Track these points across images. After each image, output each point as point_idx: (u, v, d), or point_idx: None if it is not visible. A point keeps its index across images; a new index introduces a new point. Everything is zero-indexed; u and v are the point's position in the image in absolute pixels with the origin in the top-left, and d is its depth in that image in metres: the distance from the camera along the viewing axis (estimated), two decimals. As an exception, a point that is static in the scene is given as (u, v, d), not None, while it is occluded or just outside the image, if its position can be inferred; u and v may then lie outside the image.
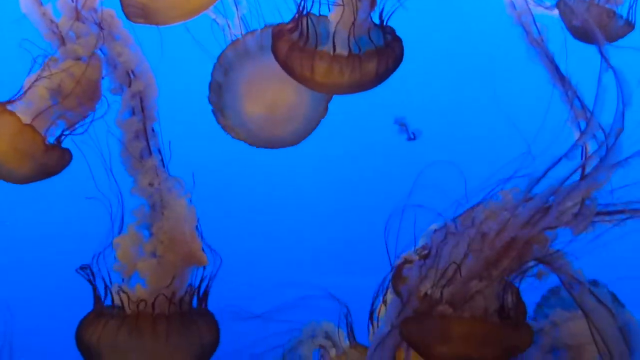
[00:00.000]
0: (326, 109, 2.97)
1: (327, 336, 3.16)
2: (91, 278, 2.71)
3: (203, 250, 2.75)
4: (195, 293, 2.74)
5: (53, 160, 2.73)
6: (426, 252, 2.57)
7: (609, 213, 2.68)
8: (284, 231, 5.44)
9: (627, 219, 2.69)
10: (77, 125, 2.78)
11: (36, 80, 2.69)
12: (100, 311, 2.69)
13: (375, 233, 2.79)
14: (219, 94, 2.98)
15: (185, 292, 2.72)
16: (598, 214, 2.66)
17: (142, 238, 2.76)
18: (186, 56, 3.09)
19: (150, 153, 2.74)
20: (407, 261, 2.61)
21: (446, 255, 2.50)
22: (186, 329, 2.65)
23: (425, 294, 2.47)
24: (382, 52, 2.57)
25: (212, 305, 2.81)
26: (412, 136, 2.81)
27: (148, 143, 2.74)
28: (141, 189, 2.74)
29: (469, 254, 2.46)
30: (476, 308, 2.44)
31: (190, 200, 2.79)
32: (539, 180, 2.55)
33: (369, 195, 5.05)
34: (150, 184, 2.73)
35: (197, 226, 2.78)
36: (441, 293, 2.45)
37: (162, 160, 2.79)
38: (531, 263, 2.54)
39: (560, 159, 2.55)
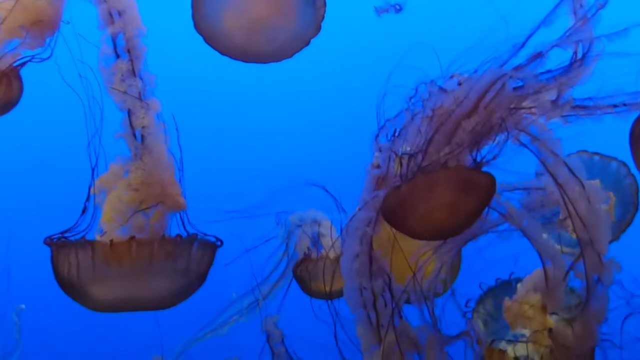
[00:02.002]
0: (319, 28, 2.96)
1: (317, 224, 3.28)
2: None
3: (182, 195, 2.80)
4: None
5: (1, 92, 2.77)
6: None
7: (585, 107, 2.78)
8: (268, 127, 5.55)
9: (604, 114, 2.79)
10: (27, 56, 2.82)
11: None
12: (71, 244, 2.68)
13: (358, 120, 2.88)
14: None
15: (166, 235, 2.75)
16: (575, 107, 2.77)
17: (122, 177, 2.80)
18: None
19: (140, 98, 2.77)
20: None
21: (421, 125, 2.61)
22: (173, 252, 2.68)
23: (402, 162, 2.59)
24: None
25: (199, 204, 2.91)
26: (398, 7, 2.85)
27: (137, 84, 2.76)
28: (127, 132, 2.78)
29: (442, 121, 2.58)
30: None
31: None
32: (517, 51, 2.62)
33: (351, 84, 5.12)
34: (141, 127, 2.75)
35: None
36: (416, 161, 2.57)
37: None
38: (510, 132, 2.64)
39: (538, 27, 2.62)
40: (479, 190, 2.61)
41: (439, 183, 2.57)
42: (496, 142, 2.66)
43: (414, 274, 2.76)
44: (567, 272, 2.81)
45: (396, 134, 2.67)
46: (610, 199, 3.13)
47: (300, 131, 5.52)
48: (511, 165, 2.77)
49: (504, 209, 2.77)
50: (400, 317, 2.69)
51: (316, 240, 3.32)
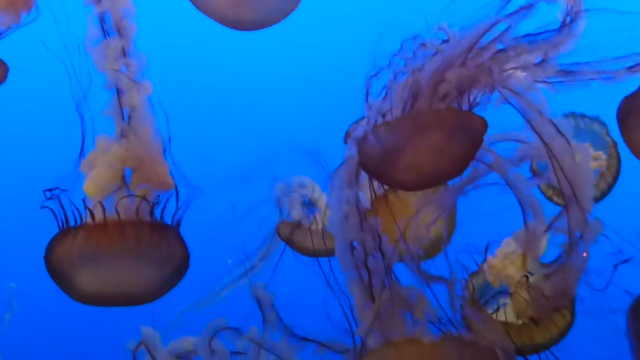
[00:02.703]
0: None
1: (310, 189, 3.33)
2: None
3: (170, 174, 2.84)
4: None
5: None
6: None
7: (571, 72, 2.84)
8: (259, 94, 5.59)
9: (590, 79, 2.86)
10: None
11: None
12: (66, 229, 2.74)
13: (347, 84, 2.93)
14: None
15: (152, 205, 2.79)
16: (560, 71, 2.83)
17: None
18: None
19: (133, 79, 2.79)
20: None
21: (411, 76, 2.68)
22: (156, 237, 2.72)
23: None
24: None
25: (189, 173, 2.95)
26: None
27: (128, 63, 2.80)
28: (115, 110, 2.81)
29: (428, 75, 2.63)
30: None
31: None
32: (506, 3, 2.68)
33: (338, 50, 5.16)
34: (130, 106, 2.79)
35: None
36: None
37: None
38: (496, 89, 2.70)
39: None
40: (470, 133, 2.66)
41: (429, 125, 2.61)
42: (482, 96, 2.72)
43: (403, 231, 2.81)
44: (549, 226, 2.88)
45: (384, 92, 2.73)
46: (601, 158, 3.21)
47: (291, 97, 5.58)
48: (498, 119, 2.83)
49: (491, 159, 2.84)
50: (391, 277, 2.74)
51: (308, 206, 3.37)
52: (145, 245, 2.70)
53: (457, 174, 2.81)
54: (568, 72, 2.89)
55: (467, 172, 2.86)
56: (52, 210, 2.75)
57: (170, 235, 2.77)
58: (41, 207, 2.75)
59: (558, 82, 2.89)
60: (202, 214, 3.22)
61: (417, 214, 2.88)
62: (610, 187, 3.22)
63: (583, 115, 3.28)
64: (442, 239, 2.97)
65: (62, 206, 2.75)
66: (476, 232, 3.11)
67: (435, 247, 3.01)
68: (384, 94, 2.75)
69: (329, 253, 2.99)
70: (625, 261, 2.85)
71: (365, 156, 2.71)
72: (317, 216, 3.32)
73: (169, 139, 2.87)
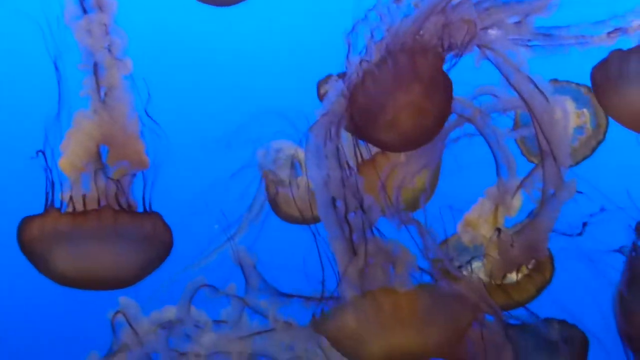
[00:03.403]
0: None
1: (287, 151, 3.38)
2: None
3: (145, 152, 2.88)
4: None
5: None
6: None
7: (549, 36, 2.89)
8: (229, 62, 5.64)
9: (568, 46, 2.90)
10: None
11: None
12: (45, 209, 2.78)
13: (326, 43, 2.98)
14: None
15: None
16: (538, 34, 2.87)
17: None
18: None
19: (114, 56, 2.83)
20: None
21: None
22: (134, 219, 2.76)
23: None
24: None
25: (172, 136, 2.98)
26: None
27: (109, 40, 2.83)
28: (92, 89, 2.84)
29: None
30: None
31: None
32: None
33: (315, 17, 5.21)
34: (109, 85, 2.83)
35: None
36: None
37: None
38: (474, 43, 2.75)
39: None
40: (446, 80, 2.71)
41: (408, 78, 2.64)
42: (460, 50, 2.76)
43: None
44: (522, 181, 2.93)
45: (364, 49, 2.77)
46: (585, 115, 3.26)
47: (272, 60, 5.62)
48: (478, 77, 2.88)
49: (470, 112, 2.88)
50: (372, 231, 2.78)
51: (292, 169, 3.41)
52: (123, 228, 2.74)
53: (439, 128, 2.84)
54: (546, 35, 2.93)
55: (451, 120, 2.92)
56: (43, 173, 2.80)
57: (151, 217, 2.81)
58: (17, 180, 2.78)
59: (536, 45, 2.94)
60: (183, 182, 3.26)
61: (401, 165, 2.94)
62: (600, 143, 3.27)
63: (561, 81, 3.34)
64: (424, 190, 3.02)
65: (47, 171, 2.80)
66: (459, 187, 3.16)
67: (417, 200, 3.05)
68: (364, 50, 2.79)
69: (315, 219, 3.04)
70: (586, 224, 2.91)
71: (352, 102, 2.75)
72: (301, 179, 3.36)
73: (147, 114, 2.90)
